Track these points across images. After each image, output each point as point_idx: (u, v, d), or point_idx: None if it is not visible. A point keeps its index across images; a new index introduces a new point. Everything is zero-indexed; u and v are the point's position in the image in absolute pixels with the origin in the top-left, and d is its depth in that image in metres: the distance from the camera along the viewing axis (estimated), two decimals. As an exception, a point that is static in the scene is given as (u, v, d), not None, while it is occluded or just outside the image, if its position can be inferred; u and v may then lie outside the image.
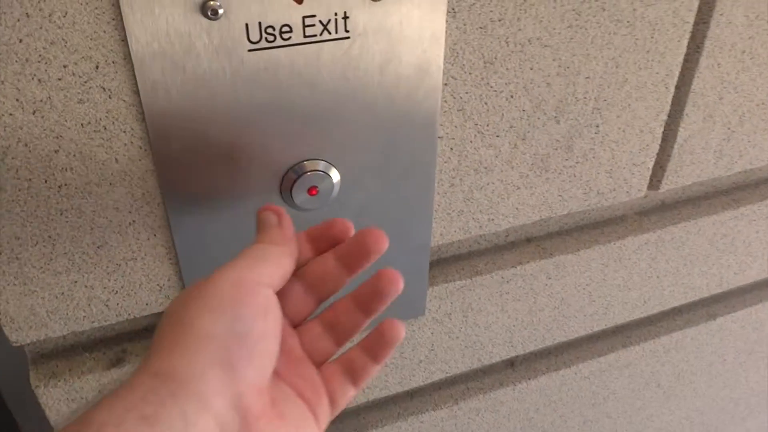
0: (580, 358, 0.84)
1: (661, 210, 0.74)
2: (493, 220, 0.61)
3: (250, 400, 0.32)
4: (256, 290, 0.34)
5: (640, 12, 0.53)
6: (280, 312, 0.35)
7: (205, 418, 0.30)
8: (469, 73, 0.50)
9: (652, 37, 0.55)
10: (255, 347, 0.33)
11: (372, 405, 0.75)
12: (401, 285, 0.38)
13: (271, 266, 0.36)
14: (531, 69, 0.52)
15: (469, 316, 0.69)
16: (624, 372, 0.90)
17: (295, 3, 0.40)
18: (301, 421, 0.36)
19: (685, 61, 0.59)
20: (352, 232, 0.41)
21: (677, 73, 0.59)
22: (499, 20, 0.48)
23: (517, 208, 0.61)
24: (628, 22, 0.53)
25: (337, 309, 0.40)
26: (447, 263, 0.65)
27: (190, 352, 0.31)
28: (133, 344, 0.56)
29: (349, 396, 0.39)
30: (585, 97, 0.56)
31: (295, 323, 0.40)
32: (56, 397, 0.55)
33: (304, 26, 0.41)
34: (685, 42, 0.57)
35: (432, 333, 0.68)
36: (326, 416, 0.38)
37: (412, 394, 0.77)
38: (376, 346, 0.39)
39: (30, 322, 0.50)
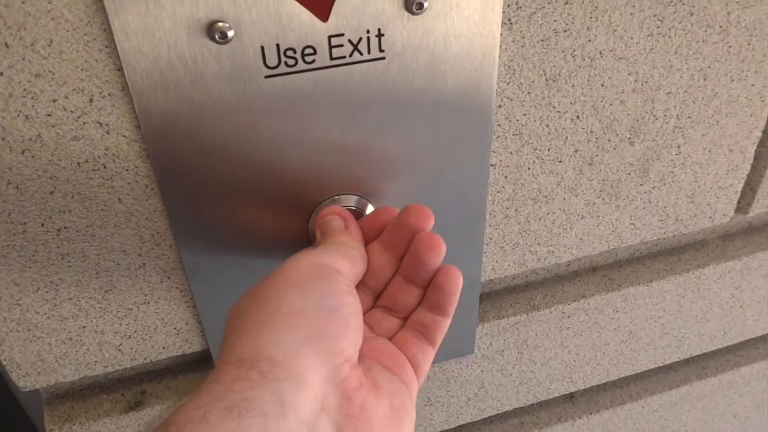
0: (649, 390, 0.76)
1: (747, 233, 0.65)
2: (553, 252, 0.54)
3: (346, 373, 0.29)
4: (338, 273, 0.32)
5: (735, 15, 0.44)
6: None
7: (304, 396, 0.27)
8: (528, 93, 0.43)
9: (749, 44, 0.46)
10: (349, 320, 0.30)
11: (416, 441, 0.69)
12: (442, 248, 0.35)
13: (346, 262, 0.34)
14: (602, 85, 0.44)
15: (524, 353, 0.62)
16: (697, 404, 0.81)
17: (318, 21, 0.34)
18: (395, 389, 0.33)
19: (786, 69, 0.50)
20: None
21: (776, 84, 0.50)
22: (565, 31, 0.40)
23: (581, 239, 0.54)
24: (720, 27, 0.44)
25: (390, 291, 0.37)
26: (499, 296, 0.59)
27: (280, 330, 0.29)
28: (153, 385, 0.52)
29: (430, 357, 0.36)
30: (665, 115, 0.48)
31: None
32: (72, 442, 0.51)
33: (331, 47, 0.35)
34: (788, 48, 0.48)
35: (482, 371, 0.61)
36: (414, 383, 0.35)
37: (460, 428, 0.71)
38: (439, 301, 0.36)
39: (38, 368, 0.45)
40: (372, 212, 0.39)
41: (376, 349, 0.35)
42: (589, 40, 0.42)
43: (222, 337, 0.31)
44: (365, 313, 0.37)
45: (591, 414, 0.74)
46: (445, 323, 0.36)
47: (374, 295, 0.38)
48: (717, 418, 0.86)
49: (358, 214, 0.42)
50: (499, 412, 0.68)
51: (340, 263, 0.33)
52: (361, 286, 0.37)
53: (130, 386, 0.52)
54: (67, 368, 0.46)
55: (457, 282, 0.35)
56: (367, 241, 0.38)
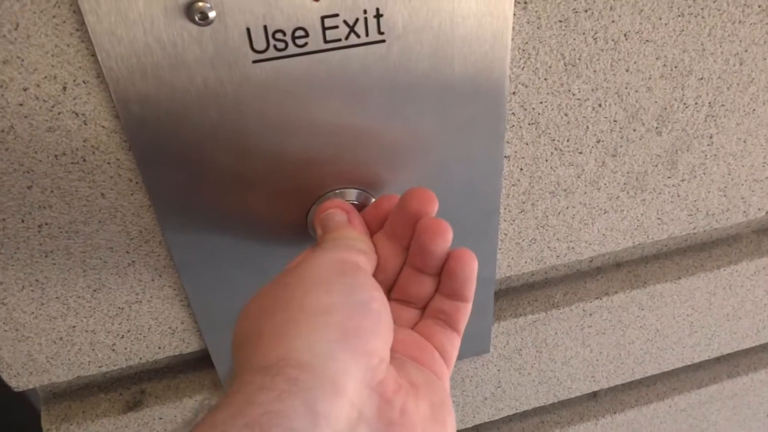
0: (676, 389, 0.72)
1: (785, 227, 0.61)
2: (573, 248, 0.50)
3: (382, 375, 0.27)
4: (360, 267, 0.30)
5: (777, -8, 0.40)
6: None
7: (340, 405, 0.24)
8: (545, 79, 0.39)
9: (791, 23, 0.42)
10: (380, 316, 0.28)
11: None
12: (449, 234, 0.32)
13: (362, 256, 0.32)
14: (627, 71, 0.40)
15: (543, 352, 0.58)
16: (728, 403, 0.77)
17: (310, 0, 0.31)
18: (431, 385, 0.30)
19: (833, 51, 0.45)
20: None
21: (821, 67, 0.46)
22: (585, 11, 0.37)
23: (603, 235, 0.50)
24: (759, 6, 0.40)
25: (401, 283, 0.34)
26: (517, 293, 0.55)
27: (308, 330, 0.26)
28: (152, 385, 0.50)
29: (456, 344, 0.34)
30: (696, 103, 0.44)
31: None
32: (69, 441, 0.49)
33: (324, 29, 0.32)
34: (835, 27, 0.44)
35: (499, 370, 0.58)
36: (445, 372, 0.32)
37: (478, 428, 0.68)
38: (455, 288, 0.33)
39: (29, 368, 0.44)
40: (373, 202, 0.36)
41: (401, 341, 0.32)
42: (613, 21, 0.38)
43: (233, 344, 0.28)
44: None
45: (615, 413, 0.70)
46: (467, 308, 0.34)
47: (386, 288, 0.35)
48: (749, 418, 0.82)
49: (360, 208, 0.39)
50: (518, 411, 0.65)
51: (358, 257, 0.31)
52: None
53: (129, 386, 0.50)
54: (60, 368, 0.44)
55: (471, 267, 0.32)
56: (371, 233, 0.35)
